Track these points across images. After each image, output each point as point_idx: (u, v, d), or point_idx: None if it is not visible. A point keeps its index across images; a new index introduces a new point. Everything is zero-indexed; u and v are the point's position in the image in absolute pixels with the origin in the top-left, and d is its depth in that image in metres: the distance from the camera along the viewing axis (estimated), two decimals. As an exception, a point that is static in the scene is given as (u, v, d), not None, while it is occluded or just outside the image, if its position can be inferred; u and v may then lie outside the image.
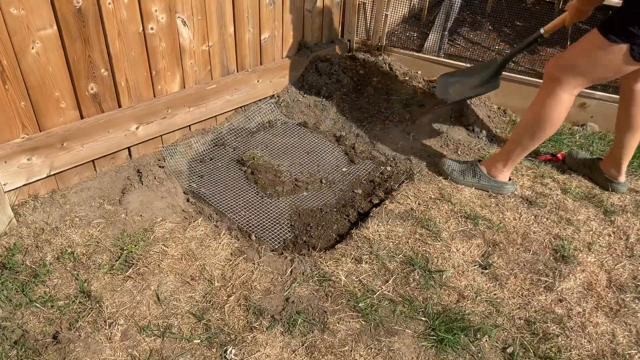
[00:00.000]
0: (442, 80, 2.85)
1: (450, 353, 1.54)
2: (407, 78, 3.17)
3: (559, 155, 2.57)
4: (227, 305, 1.66)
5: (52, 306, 1.59)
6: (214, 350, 1.51)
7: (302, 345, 1.54)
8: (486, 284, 1.80)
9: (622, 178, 2.31)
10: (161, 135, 2.38)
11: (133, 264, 1.77)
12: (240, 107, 2.76)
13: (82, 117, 2.05)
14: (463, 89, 2.73)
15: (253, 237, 2.03)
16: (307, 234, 2.09)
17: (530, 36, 2.43)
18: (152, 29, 2.14)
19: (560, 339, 1.60)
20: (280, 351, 1.52)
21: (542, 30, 2.34)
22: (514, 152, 2.22)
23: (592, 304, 1.74)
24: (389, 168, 2.49)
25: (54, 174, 2.01)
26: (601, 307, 1.74)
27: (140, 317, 1.59)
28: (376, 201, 2.27)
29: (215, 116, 2.64)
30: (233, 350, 1.50)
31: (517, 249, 1.97)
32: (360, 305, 1.68)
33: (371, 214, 2.12)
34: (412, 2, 3.92)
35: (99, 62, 2.01)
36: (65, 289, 1.66)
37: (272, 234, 2.07)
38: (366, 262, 1.86)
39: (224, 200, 2.23)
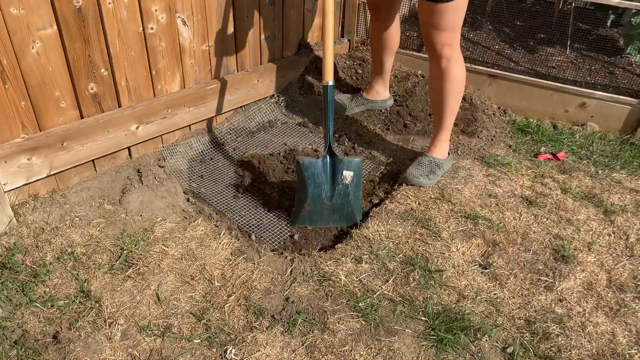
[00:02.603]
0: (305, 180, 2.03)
1: (450, 353, 1.54)
2: (407, 78, 3.17)
3: (559, 155, 2.57)
4: (227, 305, 1.66)
5: (52, 306, 1.59)
6: (214, 350, 1.51)
7: (302, 345, 1.54)
8: (486, 284, 1.80)
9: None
10: (161, 135, 2.38)
11: (133, 263, 1.77)
12: (240, 107, 2.76)
13: (82, 117, 2.05)
14: (323, 210, 2.08)
15: (253, 237, 2.03)
16: (307, 233, 2.09)
17: (325, 103, 2.02)
18: (152, 28, 2.14)
19: (560, 339, 1.60)
20: (280, 351, 1.52)
21: (325, 83, 1.98)
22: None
23: (592, 304, 1.74)
24: (389, 168, 2.49)
25: (54, 174, 2.01)
26: (601, 307, 1.74)
27: (140, 317, 1.60)
28: (376, 201, 2.26)
29: (215, 116, 2.64)
30: (233, 350, 1.50)
31: (517, 248, 1.97)
32: (360, 305, 1.68)
33: (371, 214, 2.12)
34: (412, 2, 3.91)
35: (99, 61, 2.01)
36: (65, 289, 1.66)
37: (272, 234, 2.07)
38: (366, 262, 1.85)
39: (224, 200, 2.23)
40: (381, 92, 2.87)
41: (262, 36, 2.73)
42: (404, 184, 2.30)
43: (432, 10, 2.03)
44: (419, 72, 3.22)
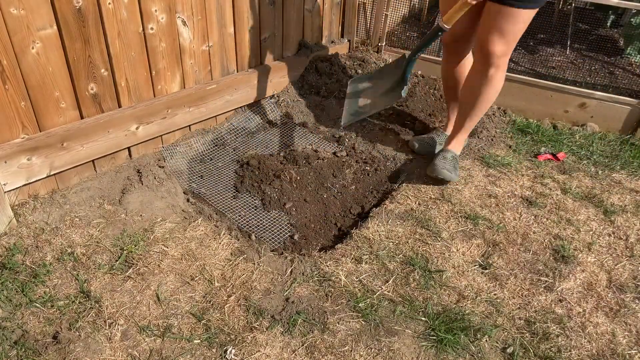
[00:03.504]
0: (353, 87, 2.45)
1: (450, 353, 1.54)
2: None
3: (559, 155, 2.57)
4: (227, 305, 1.66)
5: (52, 306, 1.59)
6: (214, 350, 1.51)
7: (302, 345, 1.54)
8: (486, 284, 1.80)
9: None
10: (161, 135, 2.38)
11: (133, 264, 1.77)
12: (240, 107, 2.76)
13: (82, 117, 2.05)
14: (374, 98, 2.41)
15: (253, 237, 2.03)
16: (307, 234, 2.09)
17: (430, 32, 2.20)
18: (152, 29, 2.14)
19: (560, 339, 1.60)
20: (280, 351, 1.52)
21: (439, 23, 2.10)
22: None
23: (592, 304, 1.74)
24: (389, 168, 2.49)
25: (54, 174, 2.01)
26: (601, 307, 1.74)
27: (140, 317, 1.60)
28: (376, 201, 2.26)
29: (215, 116, 2.64)
30: (233, 350, 1.50)
31: (517, 249, 1.97)
32: (360, 305, 1.68)
33: (371, 214, 2.12)
34: (412, 2, 3.92)
35: (99, 62, 2.01)
36: (65, 289, 1.66)
37: (272, 234, 2.07)
38: (366, 262, 1.85)
39: (224, 200, 2.23)
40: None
41: (262, 36, 2.73)
42: (404, 184, 2.30)
43: (502, 14, 2.02)
44: (419, 72, 3.22)
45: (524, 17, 2.01)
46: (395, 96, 2.35)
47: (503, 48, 2.08)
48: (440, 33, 2.14)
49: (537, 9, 2.01)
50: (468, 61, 2.39)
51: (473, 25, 2.22)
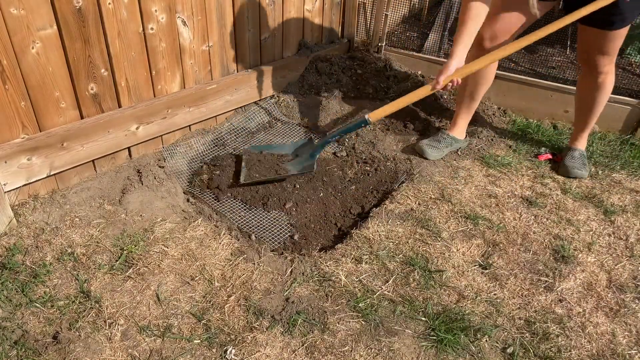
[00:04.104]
0: (248, 156, 2.44)
1: (450, 353, 1.54)
2: (407, 78, 3.17)
3: (559, 155, 2.57)
4: (227, 305, 1.66)
5: (52, 306, 1.59)
6: (214, 350, 1.51)
7: (302, 345, 1.54)
8: (486, 284, 1.80)
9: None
10: (161, 135, 2.39)
11: (133, 264, 1.77)
12: (240, 107, 2.76)
13: (82, 117, 2.05)
14: (276, 166, 2.38)
15: (253, 237, 2.03)
16: (307, 234, 2.09)
17: (354, 121, 2.25)
18: (152, 29, 2.14)
19: (560, 339, 1.60)
20: (280, 351, 1.52)
21: (367, 117, 2.14)
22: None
23: (592, 304, 1.74)
24: (389, 168, 2.49)
25: (54, 174, 2.01)
26: (601, 307, 1.74)
27: (140, 317, 1.60)
28: (376, 201, 2.26)
29: (216, 116, 2.64)
30: (233, 350, 1.50)
31: (517, 249, 1.97)
32: (360, 305, 1.68)
33: (371, 214, 2.12)
34: (412, 2, 3.92)
35: (99, 62, 2.01)
36: (65, 289, 1.66)
37: (272, 234, 2.07)
38: (366, 262, 1.85)
39: (224, 201, 2.23)
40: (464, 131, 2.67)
41: (262, 36, 2.73)
42: (404, 184, 2.30)
43: (603, 38, 2.14)
44: (419, 72, 3.22)
45: (622, 34, 2.12)
46: (306, 168, 2.32)
47: (608, 61, 2.22)
48: (363, 125, 2.18)
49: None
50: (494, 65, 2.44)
51: (517, 25, 2.26)
